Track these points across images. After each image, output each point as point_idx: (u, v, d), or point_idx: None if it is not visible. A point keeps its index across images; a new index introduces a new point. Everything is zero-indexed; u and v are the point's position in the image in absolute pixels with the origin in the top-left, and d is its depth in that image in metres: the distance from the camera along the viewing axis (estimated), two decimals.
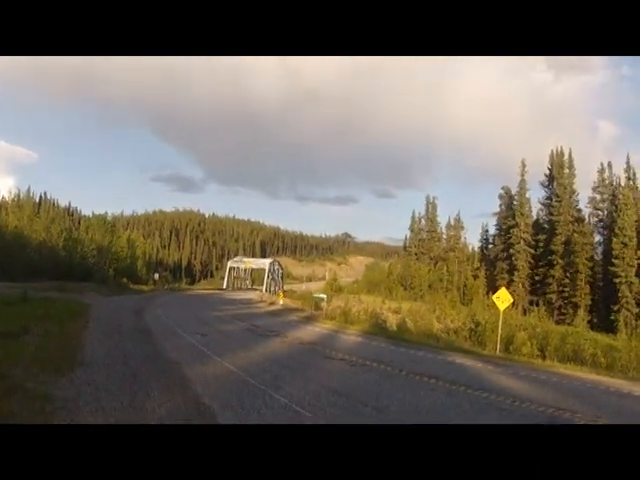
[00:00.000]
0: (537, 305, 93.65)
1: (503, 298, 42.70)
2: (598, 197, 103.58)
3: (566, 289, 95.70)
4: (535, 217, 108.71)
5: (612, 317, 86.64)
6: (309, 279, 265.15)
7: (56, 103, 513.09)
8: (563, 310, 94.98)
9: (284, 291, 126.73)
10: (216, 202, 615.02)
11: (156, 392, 16.14)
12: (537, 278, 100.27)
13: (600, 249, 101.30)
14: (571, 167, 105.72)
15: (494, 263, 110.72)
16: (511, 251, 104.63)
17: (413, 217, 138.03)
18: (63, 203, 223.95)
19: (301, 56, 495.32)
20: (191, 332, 36.37)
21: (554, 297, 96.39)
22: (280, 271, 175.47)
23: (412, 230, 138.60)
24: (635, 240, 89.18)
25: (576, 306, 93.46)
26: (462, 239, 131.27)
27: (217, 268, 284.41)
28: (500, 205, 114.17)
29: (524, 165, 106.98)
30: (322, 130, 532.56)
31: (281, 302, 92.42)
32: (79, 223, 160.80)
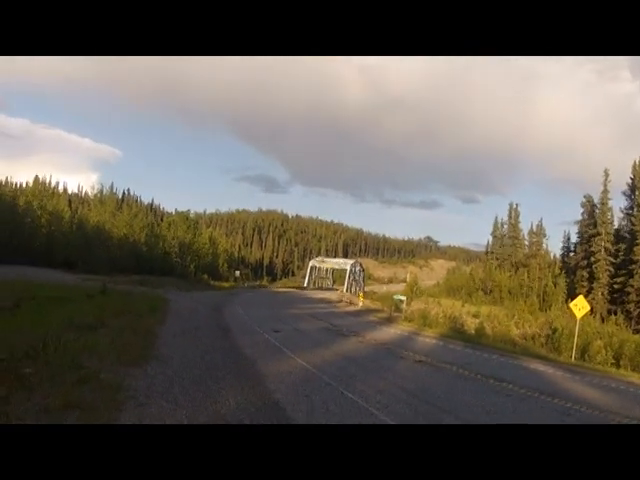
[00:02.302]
0: (615, 314, 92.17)
1: (580, 306, 42.42)
2: None
3: None
4: (617, 226, 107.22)
5: None
6: (390, 281, 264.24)
7: (140, 103, 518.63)
8: None
9: (364, 292, 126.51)
10: (300, 203, 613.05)
11: (228, 387, 16.34)
12: (616, 287, 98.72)
13: None
14: None
15: (574, 271, 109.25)
16: (592, 259, 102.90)
17: (495, 223, 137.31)
18: (146, 200, 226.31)
19: (384, 63, 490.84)
20: (268, 329, 36.59)
21: (632, 306, 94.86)
22: (361, 272, 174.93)
23: (494, 236, 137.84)
24: None
25: None
26: (544, 246, 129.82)
27: (299, 267, 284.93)
28: (582, 213, 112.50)
29: (607, 174, 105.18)
30: (407, 135, 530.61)
31: (361, 303, 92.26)
32: (161, 219, 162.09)
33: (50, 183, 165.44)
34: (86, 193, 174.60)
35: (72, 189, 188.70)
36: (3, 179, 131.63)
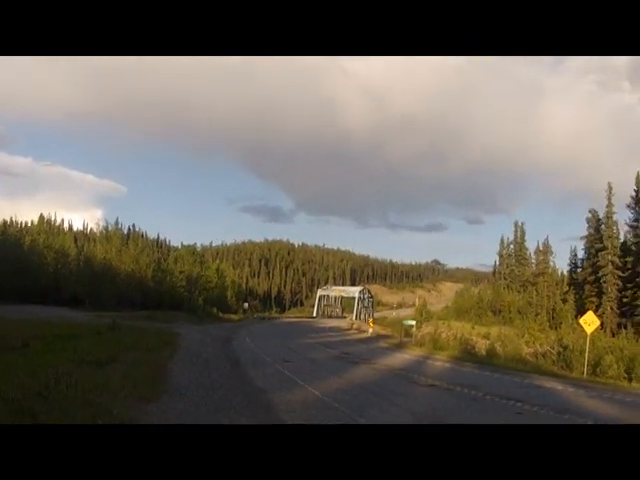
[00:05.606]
0: (625, 328, 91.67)
1: (590, 321, 42.31)
2: None
3: None
4: (623, 239, 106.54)
5: None
6: (399, 306, 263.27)
7: (144, 138, 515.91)
8: None
9: (374, 318, 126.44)
10: (306, 231, 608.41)
11: (242, 420, 16.23)
12: (625, 300, 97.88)
13: None
14: None
15: (583, 286, 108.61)
16: (599, 274, 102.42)
17: (502, 242, 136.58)
18: (152, 235, 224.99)
19: (387, 85, 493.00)
20: (279, 360, 36.70)
21: None
22: (370, 299, 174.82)
23: (501, 255, 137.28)
24: None
25: None
26: (551, 263, 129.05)
27: (307, 297, 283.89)
28: (588, 228, 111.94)
29: (610, 188, 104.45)
30: (410, 158, 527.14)
31: (371, 329, 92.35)
32: (168, 254, 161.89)
33: (55, 221, 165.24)
34: (91, 230, 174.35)
35: (77, 226, 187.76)
36: (8, 219, 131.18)
